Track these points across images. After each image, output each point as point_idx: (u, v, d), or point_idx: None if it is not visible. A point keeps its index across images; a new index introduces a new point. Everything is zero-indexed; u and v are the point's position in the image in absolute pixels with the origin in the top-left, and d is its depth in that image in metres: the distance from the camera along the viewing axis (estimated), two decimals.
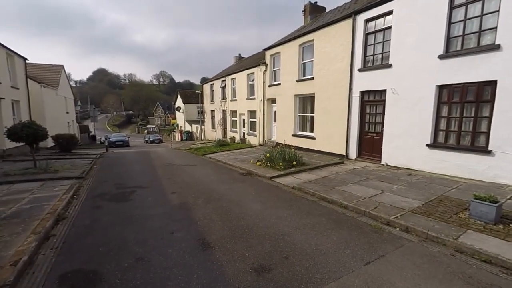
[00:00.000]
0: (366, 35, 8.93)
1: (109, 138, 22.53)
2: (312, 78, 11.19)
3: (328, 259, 3.29)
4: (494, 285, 2.75)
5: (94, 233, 4.26)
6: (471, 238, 3.56)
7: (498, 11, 5.85)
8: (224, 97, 20.72)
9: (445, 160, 6.82)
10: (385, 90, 8.29)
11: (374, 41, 8.77)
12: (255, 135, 16.10)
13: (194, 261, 3.32)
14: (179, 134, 32.54)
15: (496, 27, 5.92)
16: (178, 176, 8.49)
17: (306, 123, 12.28)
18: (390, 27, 8.10)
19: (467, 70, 6.36)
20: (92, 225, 4.59)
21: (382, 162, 8.40)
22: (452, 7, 6.70)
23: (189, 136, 29.44)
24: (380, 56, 8.62)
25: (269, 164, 8.65)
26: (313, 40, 11.11)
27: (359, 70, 9.07)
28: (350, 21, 9.25)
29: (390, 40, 8.12)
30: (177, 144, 22.60)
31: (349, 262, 3.23)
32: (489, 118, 6.08)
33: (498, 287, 2.72)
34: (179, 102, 34.61)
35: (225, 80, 20.28)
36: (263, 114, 15.06)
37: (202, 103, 25.93)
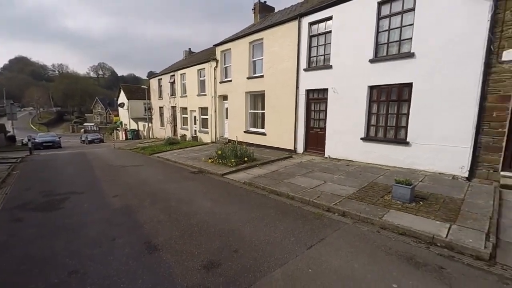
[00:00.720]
0: (310, 37, 9.55)
1: (34, 139, 19.33)
2: (262, 76, 11.50)
3: (275, 248, 3.48)
4: (407, 252, 3.31)
5: (12, 251, 3.64)
6: (392, 216, 4.19)
7: (413, 24, 6.92)
8: (173, 93, 19.73)
9: (375, 151, 7.83)
10: (327, 89, 9.04)
11: (317, 43, 9.45)
12: (207, 133, 15.81)
13: (138, 266, 3.14)
14: (123, 132, 29.86)
15: (411, 38, 6.99)
16: (121, 177, 7.81)
17: (258, 120, 12.58)
18: (330, 31, 8.84)
19: (391, 73, 7.37)
20: (8, 242, 3.92)
21: (326, 155, 9.18)
22: (379, 18, 7.65)
23: (135, 134, 27.25)
24: (322, 57, 9.34)
25: (221, 161, 8.62)
26: (262, 38, 11.39)
27: (305, 69, 9.67)
28: (296, 23, 9.77)
29: (330, 43, 8.87)
30: (121, 144, 20.70)
31: (294, 248, 3.47)
32: (407, 115, 7.19)
33: (410, 254, 3.27)
34: (122, 98, 31.62)
35: (174, 75, 19.31)
36: (215, 111, 14.87)
37: (149, 99, 24.23)
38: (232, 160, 8.26)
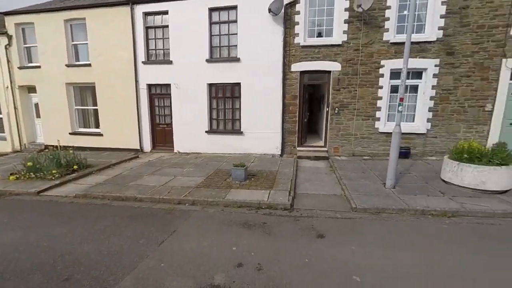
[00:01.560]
0: (147, 28, 9.01)
1: None
2: (90, 65, 9.54)
3: (122, 256, 3.20)
4: (243, 219, 4.14)
5: None
6: (232, 194, 5.03)
7: (237, 33, 8.31)
8: None
9: (219, 142, 8.87)
10: (169, 85, 9.00)
11: (155, 36, 9.09)
12: (4, 138, 11.08)
13: None
14: None
15: (237, 45, 8.39)
16: None
17: (89, 118, 10.39)
18: (168, 26, 8.77)
19: (224, 73, 8.52)
20: None
21: (175, 151, 9.25)
22: (211, 23, 8.52)
23: None
24: (162, 51, 9.13)
25: (34, 175, 6.42)
26: (84, 18, 9.34)
27: (144, 62, 9.05)
28: (127, 9, 8.81)
29: (169, 38, 8.82)
30: None
31: (144, 249, 3.35)
32: (240, 109, 8.67)
33: (245, 220, 4.12)
34: None
35: None
36: (15, 108, 10.64)
37: None
38: (54, 171, 6.40)
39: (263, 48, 8.06)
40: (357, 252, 3.21)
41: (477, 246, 3.33)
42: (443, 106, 7.49)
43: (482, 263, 2.96)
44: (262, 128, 8.49)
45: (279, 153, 8.45)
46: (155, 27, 9.01)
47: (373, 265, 2.94)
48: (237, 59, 8.31)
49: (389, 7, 7.27)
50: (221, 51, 8.68)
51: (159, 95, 9.35)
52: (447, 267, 2.90)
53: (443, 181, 5.39)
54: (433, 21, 7.18)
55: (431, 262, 2.98)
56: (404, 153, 7.52)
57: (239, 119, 8.72)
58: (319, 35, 7.99)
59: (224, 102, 8.87)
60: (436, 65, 7.29)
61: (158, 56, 9.19)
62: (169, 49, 8.88)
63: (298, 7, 7.71)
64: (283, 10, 7.68)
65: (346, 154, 8.10)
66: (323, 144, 8.62)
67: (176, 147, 9.25)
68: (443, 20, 7.10)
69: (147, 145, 9.54)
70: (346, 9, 7.45)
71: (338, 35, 7.66)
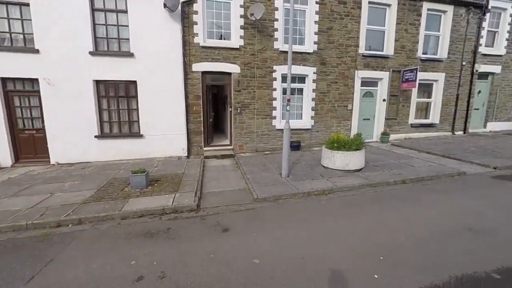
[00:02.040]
0: None
1: None
2: None
3: None
4: (144, 229, 3.81)
5: None
6: (131, 204, 4.54)
7: (128, 26, 7.45)
8: None
9: (113, 147, 7.75)
10: (37, 79, 7.13)
11: (8, 15, 6.96)
12: None
13: None
14: None
15: (129, 39, 7.53)
16: None
17: None
18: (28, 5, 6.88)
19: (116, 69, 7.48)
20: None
21: (52, 162, 7.43)
22: (93, 9, 7.28)
23: None
24: (21, 36, 7.09)
25: None
26: None
27: None
28: None
29: (31, 20, 6.94)
30: None
31: None
32: (137, 110, 7.85)
33: (146, 229, 3.81)
34: None
35: None
36: None
37: None
38: None
39: (161, 45, 7.57)
40: (257, 238, 3.56)
41: (341, 213, 4.33)
42: (321, 106, 9.23)
43: (343, 224, 3.88)
44: (165, 129, 8.01)
45: (186, 154, 8.21)
46: (7, 3, 6.90)
47: (270, 246, 3.34)
48: (130, 54, 7.47)
49: (277, 20, 8.30)
50: (109, 44, 7.57)
51: (22, 92, 7.26)
52: (322, 232, 3.64)
53: (323, 166, 6.68)
54: (310, 36, 8.72)
55: (312, 231, 3.67)
56: (296, 146, 8.83)
57: (138, 121, 7.90)
58: (221, 37, 8.24)
59: (118, 102, 7.80)
60: (314, 72, 8.89)
61: (15, 41, 7.09)
62: (32, 34, 7.00)
63: (195, 6, 7.66)
64: (179, 8, 7.45)
65: (250, 150, 8.75)
66: (229, 143, 8.98)
67: (53, 157, 7.44)
68: (316, 36, 8.73)
69: (6, 159, 7.23)
70: (241, 16, 7.99)
71: (236, 40, 8.12)
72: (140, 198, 4.81)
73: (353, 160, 6.11)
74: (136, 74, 7.60)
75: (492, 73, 11.31)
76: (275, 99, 8.70)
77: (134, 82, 7.69)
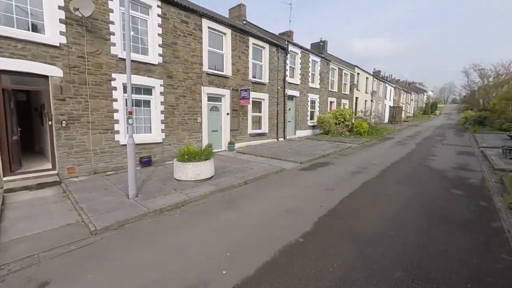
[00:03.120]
0: None
1: None
2: None
3: None
4: None
5: None
6: None
7: None
8: None
9: None
10: None
11: None
12: None
13: None
14: None
15: None
16: None
17: None
18: None
19: None
20: None
21: None
22: None
23: None
24: None
25: None
26: None
27: None
28: None
29: None
30: None
31: None
32: None
33: None
34: None
35: None
36: None
37: None
38: None
39: None
40: (94, 280, 2.94)
41: (192, 222, 4.47)
42: (171, 119, 9.15)
43: (191, 235, 4.02)
44: None
45: None
46: None
47: (112, 284, 2.86)
48: None
49: (112, 22, 7.41)
50: None
51: None
52: (174, 247, 3.59)
53: (176, 179, 6.61)
54: (154, 48, 8.48)
55: (164, 249, 3.52)
56: (147, 162, 8.19)
57: None
58: (29, 28, 6.18)
59: None
60: (161, 85, 8.70)
61: None
62: None
63: None
64: None
65: (86, 173, 7.12)
66: (51, 167, 6.84)
67: None
68: (161, 48, 8.63)
69: None
70: (60, 7, 6.44)
71: (53, 35, 6.41)
72: None
73: (203, 169, 6.50)
74: None
75: (295, 96, 16.00)
76: (116, 111, 7.64)
77: None
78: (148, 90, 8.56)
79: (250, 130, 12.69)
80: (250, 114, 12.58)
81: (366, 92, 28.46)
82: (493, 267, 3.10)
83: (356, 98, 25.90)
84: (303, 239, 3.81)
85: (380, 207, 5.06)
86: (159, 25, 8.52)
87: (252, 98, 12.30)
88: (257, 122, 13.57)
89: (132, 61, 7.01)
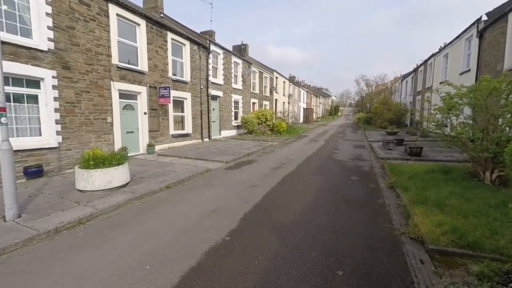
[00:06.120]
0: None
1: None
2: None
3: None
4: None
5: None
6: None
7: None
8: None
9: None
10: None
11: None
12: None
13: None
14: None
15: None
16: None
17: None
18: None
19: None
20: None
21: None
22: None
23: None
24: None
25: None
26: None
27: None
28: None
29: None
30: None
31: None
32: None
33: None
34: None
35: None
36: None
37: None
38: None
39: None
40: None
41: (100, 239, 3.82)
42: (70, 119, 7.58)
43: (99, 254, 3.45)
44: None
45: None
46: None
47: None
48: None
49: None
50: None
51: None
52: (75, 273, 2.97)
53: (79, 190, 5.50)
54: (41, 30, 6.82)
55: (62, 276, 2.85)
56: (35, 172, 6.53)
57: None
58: None
59: None
60: (54, 77, 7.08)
61: None
62: None
63: None
64: None
65: None
66: None
67: None
68: (52, 32, 7.02)
69: None
70: None
71: None
72: None
73: (116, 176, 5.65)
74: None
75: (219, 96, 15.98)
76: None
77: None
78: (34, 83, 6.82)
79: (172, 131, 11.89)
80: (171, 113, 11.78)
81: (284, 95, 31.21)
82: (380, 234, 3.88)
83: (276, 100, 28.06)
84: (230, 237, 3.79)
85: (298, 197, 5.59)
86: (48, 3, 6.91)
87: (173, 97, 11.56)
88: (180, 122, 12.86)
89: (4, 42, 5.50)
